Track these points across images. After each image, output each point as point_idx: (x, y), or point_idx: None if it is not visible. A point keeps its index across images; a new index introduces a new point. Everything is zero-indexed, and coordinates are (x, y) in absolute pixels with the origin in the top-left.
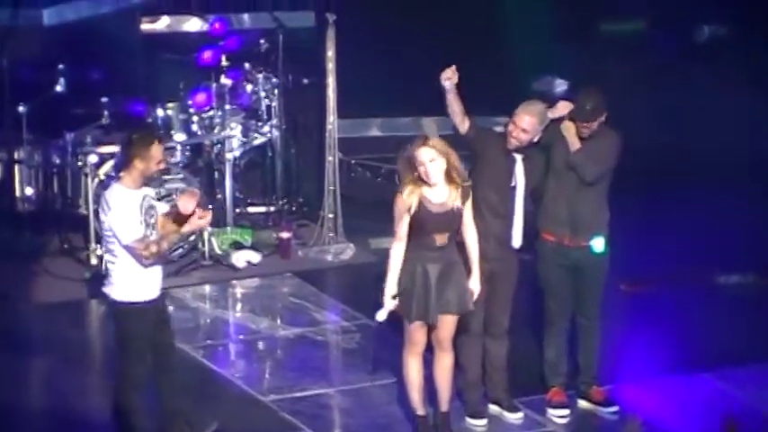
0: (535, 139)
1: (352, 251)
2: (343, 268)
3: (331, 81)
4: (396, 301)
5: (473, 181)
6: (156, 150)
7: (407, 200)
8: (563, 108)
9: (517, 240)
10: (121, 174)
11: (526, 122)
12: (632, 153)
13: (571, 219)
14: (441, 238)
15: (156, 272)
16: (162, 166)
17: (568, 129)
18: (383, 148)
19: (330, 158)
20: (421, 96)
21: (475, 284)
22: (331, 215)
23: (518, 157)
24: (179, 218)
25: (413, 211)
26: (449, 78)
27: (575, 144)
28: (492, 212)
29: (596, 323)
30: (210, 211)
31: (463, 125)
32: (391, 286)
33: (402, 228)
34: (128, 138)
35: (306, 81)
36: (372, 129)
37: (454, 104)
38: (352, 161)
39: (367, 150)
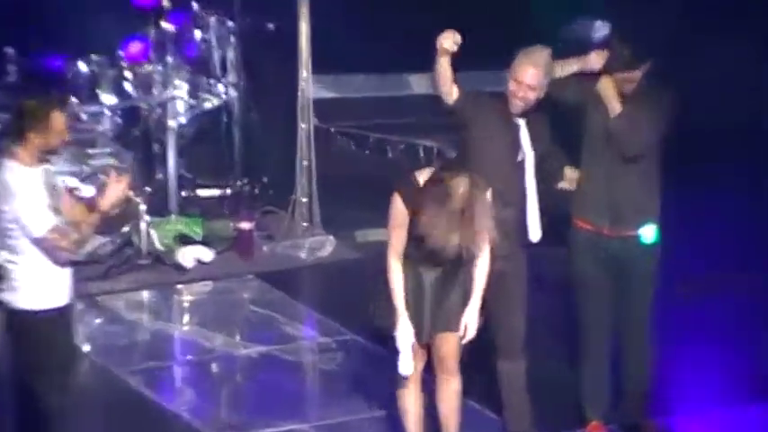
0: (541, 96)
1: (333, 246)
2: (320, 268)
3: (304, 27)
4: (411, 335)
5: (467, 162)
6: (57, 121)
7: (417, 207)
8: (596, 59)
9: (535, 232)
10: (15, 148)
11: (531, 76)
12: (687, 122)
13: (611, 201)
14: (446, 237)
15: (66, 272)
16: (66, 138)
17: (606, 87)
18: (371, 111)
19: (303, 126)
20: (415, 47)
21: (471, 316)
22: (305, 199)
23: (521, 123)
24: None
25: (413, 214)
26: (453, 43)
27: (614, 107)
28: (499, 200)
29: (646, 337)
30: (128, 181)
31: (451, 95)
32: (403, 318)
33: (399, 239)
34: (19, 108)
35: (271, 26)
36: (356, 88)
37: (446, 71)
38: (332, 129)
39: (350, 115)
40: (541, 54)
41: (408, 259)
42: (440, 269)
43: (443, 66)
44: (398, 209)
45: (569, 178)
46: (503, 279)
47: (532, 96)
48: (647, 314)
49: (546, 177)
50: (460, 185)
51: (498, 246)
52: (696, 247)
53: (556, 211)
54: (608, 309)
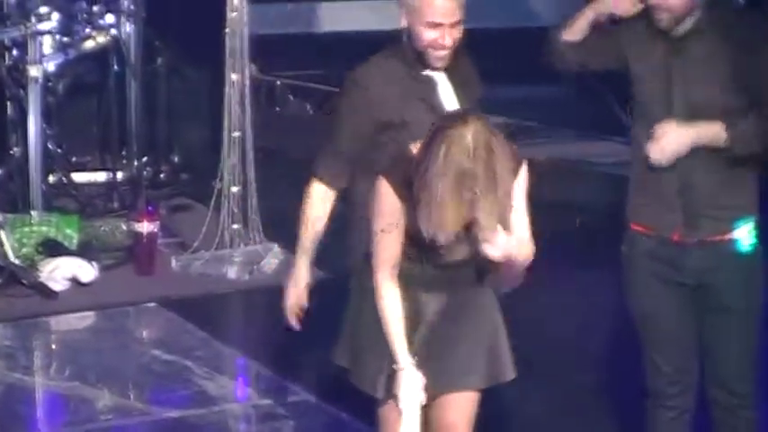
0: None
1: (278, 259)
2: (259, 294)
3: None
4: (421, 391)
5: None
6: None
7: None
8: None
9: None
10: None
11: (450, 9)
12: None
13: (684, 192)
14: (458, 246)
15: None
16: None
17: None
18: (337, 55)
19: (235, 77)
20: None
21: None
22: (235, 189)
23: (439, 77)
24: None
25: (411, 206)
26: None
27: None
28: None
29: (749, 400)
30: None
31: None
32: (408, 368)
33: (392, 247)
34: None
35: None
36: (315, 21)
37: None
38: (278, 82)
39: (306, 63)
40: None
41: (399, 277)
42: (446, 294)
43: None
44: (387, 201)
45: None
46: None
47: (458, 35)
48: (751, 365)
49: None
50: (467, 134)
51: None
52: None
53: None
54: (688, 354)
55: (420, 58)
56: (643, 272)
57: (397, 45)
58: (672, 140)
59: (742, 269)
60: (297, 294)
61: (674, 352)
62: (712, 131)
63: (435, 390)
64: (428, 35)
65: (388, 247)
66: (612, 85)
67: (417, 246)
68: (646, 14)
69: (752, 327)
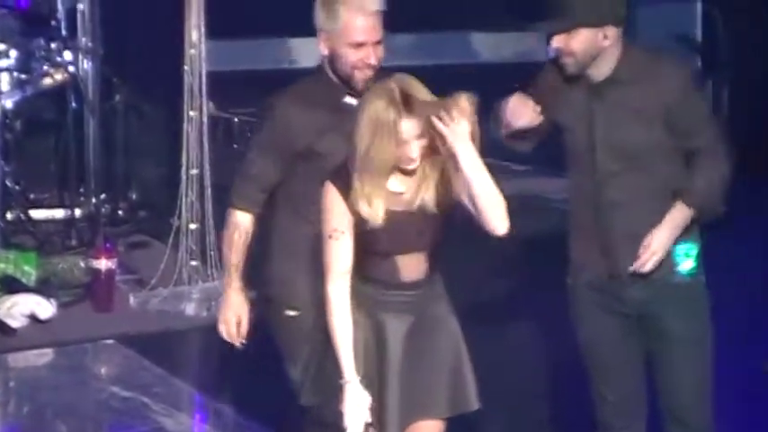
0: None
1: None
2: (216, 330)
3: None
4: (366, 409)
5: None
6: None
7: (363, 203)
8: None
9: None
10: None
11: (373, 29)
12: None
13: (619, 233)
14: (410, 264)
15: None
16: None
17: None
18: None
19: (193, 114)
20: None
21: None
22: (194, 226)
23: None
24: None
25: (359, 213)
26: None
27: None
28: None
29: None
30: None
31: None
32: (353, 384)
33: (342, 256)
34: None
35: None
36: (271, 56)
37: None
38: (235, 119)
39: (260, 98)
40: None
41: (359, 299)
42: (412, 318)
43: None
44: (333, 207)
45: None
46: None
47: (381, 54)
48: (702, 400)
49: None
50: (382, 88)
51: None
52: None
53: None
54: (635, 390)
55: (345, 83)
56: (587, 302)
57: (317, 74)
58: (659, 248)
59: (683, 298)
60: (236, 315)
61: (619, 382)
62: (680, 216)
63: (406, 417)
64: (354, 56)
65: (336, 254)
66: None
67: (376, 267)
68: (557, 67)
69: (701, 356)
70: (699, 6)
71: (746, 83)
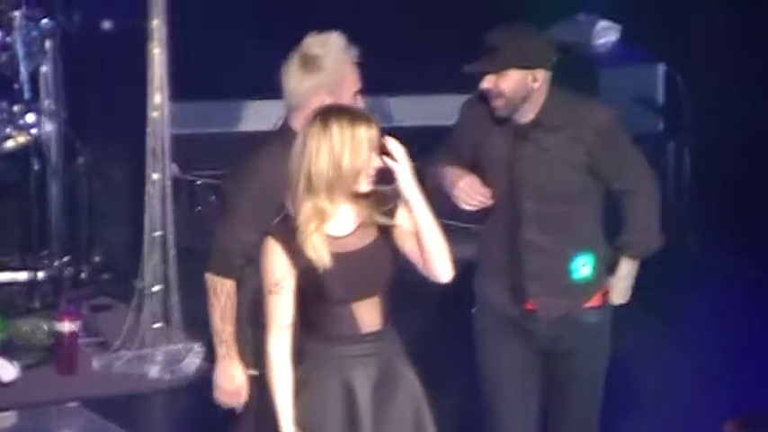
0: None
1: (200, 359)
2: (180, 392)
3: (158, 26)
4: None
5: None
6: None
7: (309, 246)
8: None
9: None
10: None
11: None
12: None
13: (527, 273)
14: (366, 312)
15: None
16: None
17: None
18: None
19: (156, 176)
20: None
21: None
22: (157, 288)
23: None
24: None
25: (304, 265)
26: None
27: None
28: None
29: None
30: None
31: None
32: None
33: (283, 309)
34: None
35: (108, 25)
36: (236, 119)
37: None
38: (199, 181)
39: (224, 161)
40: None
41: (326, 362)
42: (375, 370)
43: None
44: (273, 261)
45: None
46: None
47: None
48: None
49: None
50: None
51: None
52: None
53: None
54: (530, 421)
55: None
56: (493, 332)
57: (281, 133)
58: (623, 300)
59: (590, 336)
60: (238, 387)
61: (512, 412)
62: (627, 269)
63: None
64: (356, 102)
65: (277, 308)
66: None
67: (335, 323)
68: (483, 108)
69: (594, 394)
70: (661, 69)
71: (708, 146)
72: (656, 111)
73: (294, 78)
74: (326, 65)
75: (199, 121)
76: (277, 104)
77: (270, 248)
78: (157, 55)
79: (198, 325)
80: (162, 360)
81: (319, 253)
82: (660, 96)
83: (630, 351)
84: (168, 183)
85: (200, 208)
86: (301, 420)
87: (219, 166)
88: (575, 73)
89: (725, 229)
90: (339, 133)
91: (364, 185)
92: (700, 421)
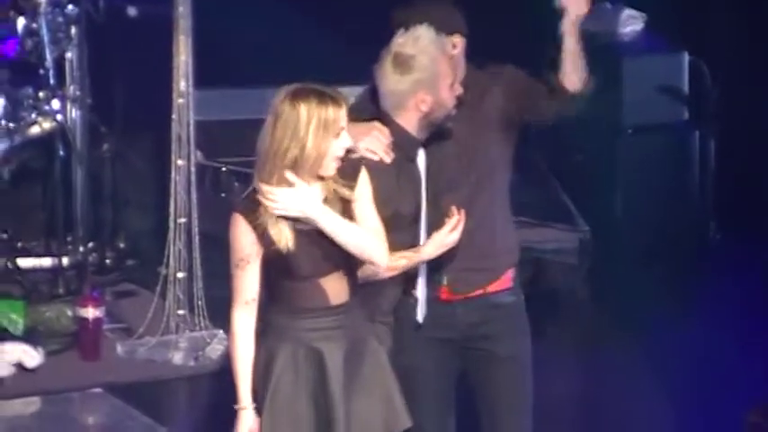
0: None
1: (223, 345)
2: (204, 379)
3: (183, 12)
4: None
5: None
6: None
7: (273, 227)
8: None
9: None
10: None
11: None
12: None
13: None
14: (334, 286)
15: None
16: None
17: None
18: None
19: (181, 162)
20: (357, 50)
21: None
22: (181, 275)
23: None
24: None
25: (269, 241)
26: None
27: None
28: None
29: None
30: None
31: None
32: (247, 404)
33: (248, 283)
34: None
35: (133, 12)
36: (260, 107)
37: None
38: (223, 168)
39: (248, 147)
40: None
41: (297, 335)
42: (345, 343)
43: None
44: (239, 236)
45: None
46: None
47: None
48: (525, 414)
49: None
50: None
51: None
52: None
53: None
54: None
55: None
56: (409, 330)
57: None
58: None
59: (507, 316)
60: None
61: (434, 411)
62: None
63: None
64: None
65: (242, 282)
66: (558, 171)
67: (304, 296)
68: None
69: (523, 374)
70: (686, 58)
71: (733, 135)
72: (680, 100)
73: (391, 80)
74: (421, 63)
75: (224, 107)
76: None
77: (236, 224)
78: (182, 41)
79: (222, 311)
80: (186, 346)
81: (283, 234)
82: (685, 86)
83: (652, 338)
84: (193, 169)
85: (224, 194)
86: (273, 392)
87: (244, 152)
88: (599, 61)
89: (749, 218)
90: (306, 114)
91: (330, 169)
92: (722, 410)
